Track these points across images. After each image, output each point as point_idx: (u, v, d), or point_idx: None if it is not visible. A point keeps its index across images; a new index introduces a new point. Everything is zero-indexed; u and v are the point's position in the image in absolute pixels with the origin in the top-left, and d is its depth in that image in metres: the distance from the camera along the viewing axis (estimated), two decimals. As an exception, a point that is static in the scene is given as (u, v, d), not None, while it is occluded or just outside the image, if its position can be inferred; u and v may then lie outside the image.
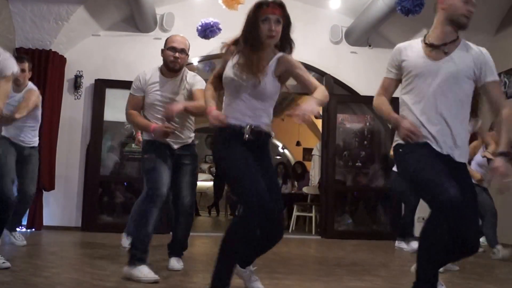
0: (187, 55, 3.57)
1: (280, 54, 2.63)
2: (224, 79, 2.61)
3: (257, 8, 2.55)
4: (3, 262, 3.17)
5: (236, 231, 2.47)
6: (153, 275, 3.02)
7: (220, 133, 2.57)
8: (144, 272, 3.03)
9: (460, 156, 2.49)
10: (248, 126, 2.52)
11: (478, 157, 5.14)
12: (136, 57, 6.93)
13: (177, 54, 3.44)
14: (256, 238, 2.56)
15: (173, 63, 3.45)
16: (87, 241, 5.35)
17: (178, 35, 3.63)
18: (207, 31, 5.98)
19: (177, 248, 3.67)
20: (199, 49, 7.02)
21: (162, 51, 3.52)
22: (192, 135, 3.66)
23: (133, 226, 3.50)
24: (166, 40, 3.56)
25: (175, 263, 3.56)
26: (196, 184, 3.68)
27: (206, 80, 8.42)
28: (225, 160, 2.53)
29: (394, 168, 5.34)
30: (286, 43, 2.65)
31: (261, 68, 2.53)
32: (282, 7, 2.57)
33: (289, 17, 2.61)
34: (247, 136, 2.50)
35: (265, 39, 2.54)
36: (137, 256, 3.10)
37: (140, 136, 4.91)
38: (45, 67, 6.41)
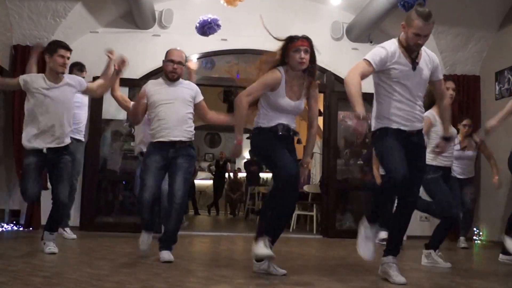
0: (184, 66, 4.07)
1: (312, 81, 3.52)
2: (275, 105, 3.36)
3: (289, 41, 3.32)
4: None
5: (270, 200, 3.37)
6: None
7: (260, 132, 3.39)
8: None
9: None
10: (281, 125, 3.37)
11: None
12: (135, 54, 6.87)
13: (175, 66, 3.97)
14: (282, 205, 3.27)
15: (171, 74, 3.99)
16: (86, 241, 5.31)
17: (175, 48, 4.10)
18: (205, 27, 5.90)
19: (168, 241, 3.89)
20: (198, 46, 6.97)
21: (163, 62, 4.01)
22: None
23: None
24: (166, 53, 4.04)
25: (166, 256, 3.78)
26: (188, 180, 3.98)
27: (205, 78, 8.31)
28: (265, 148, 3.36)
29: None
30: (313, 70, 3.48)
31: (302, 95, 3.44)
32: (309, 40, 3.39)
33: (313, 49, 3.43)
34: (280, 133, 3.37)
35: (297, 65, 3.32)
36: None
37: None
38: (42, 64, 6.34)
